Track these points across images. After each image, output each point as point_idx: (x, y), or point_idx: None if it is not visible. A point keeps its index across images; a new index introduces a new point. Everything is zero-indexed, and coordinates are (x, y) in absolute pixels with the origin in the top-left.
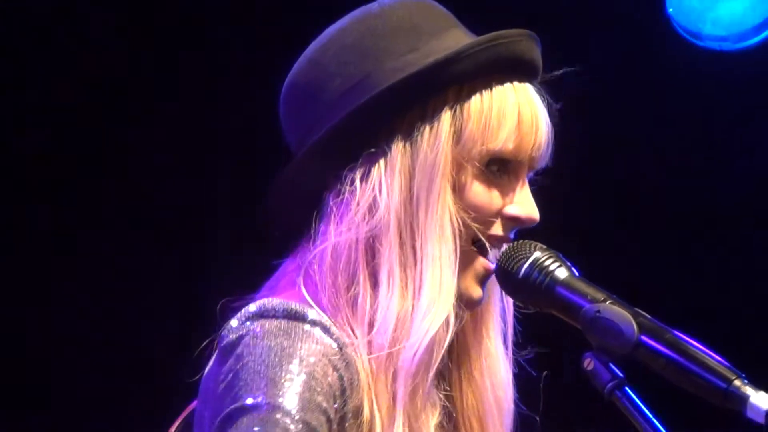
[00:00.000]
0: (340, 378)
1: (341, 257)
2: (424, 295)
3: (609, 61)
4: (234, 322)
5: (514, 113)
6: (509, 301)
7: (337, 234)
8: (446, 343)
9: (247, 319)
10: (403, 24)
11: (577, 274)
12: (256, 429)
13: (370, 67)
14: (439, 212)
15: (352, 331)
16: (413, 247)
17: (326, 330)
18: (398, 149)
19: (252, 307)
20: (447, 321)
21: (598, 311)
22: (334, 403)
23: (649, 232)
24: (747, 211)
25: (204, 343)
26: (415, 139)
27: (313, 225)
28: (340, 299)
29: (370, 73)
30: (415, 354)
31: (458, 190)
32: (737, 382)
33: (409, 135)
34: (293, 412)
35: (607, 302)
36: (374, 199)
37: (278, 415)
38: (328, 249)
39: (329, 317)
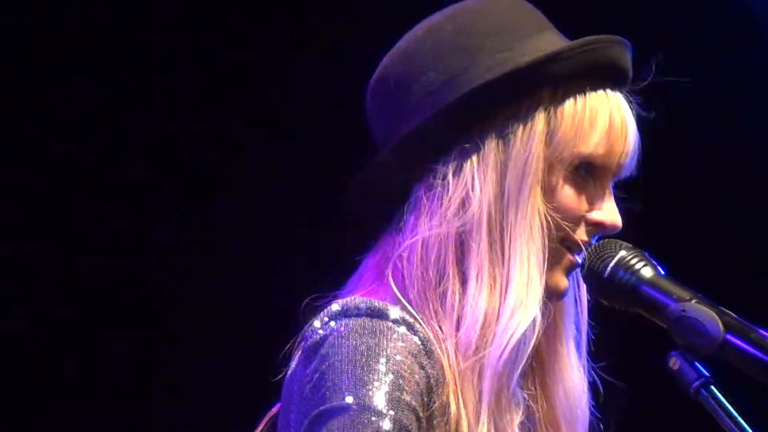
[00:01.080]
0: (427, 376)
1: (432, 251)
2: (512, 293)
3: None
4: (317, 323)
5: (606, 119)
6: (584, 308)
7: (429, 228)
8: (533, 342)
9: (331, 318)
10: (499, 23)
11: (662, 273)
12: (347, 430)
13: (465, 63)
14: (529, 211)
15: (440, 326)
16: (502, 245)
17: (411, 327)
18: (491, 146)
19: (335, 307)
20: (534, 320)
21: (684, 310)
22: (423, 401)
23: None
24: None
25: (289, 345)
26: (508, 137)
27: (403, 217)
28: (429, 293)
29: (466, 69)
30: (502, 353)
31: (547, 191)
32: None
33: (502, 133)
34: (384, 411)
35: (693, 301)
36: (467, 194)
37: (369, 416)
38: (419, 242)
39: (416, 311)
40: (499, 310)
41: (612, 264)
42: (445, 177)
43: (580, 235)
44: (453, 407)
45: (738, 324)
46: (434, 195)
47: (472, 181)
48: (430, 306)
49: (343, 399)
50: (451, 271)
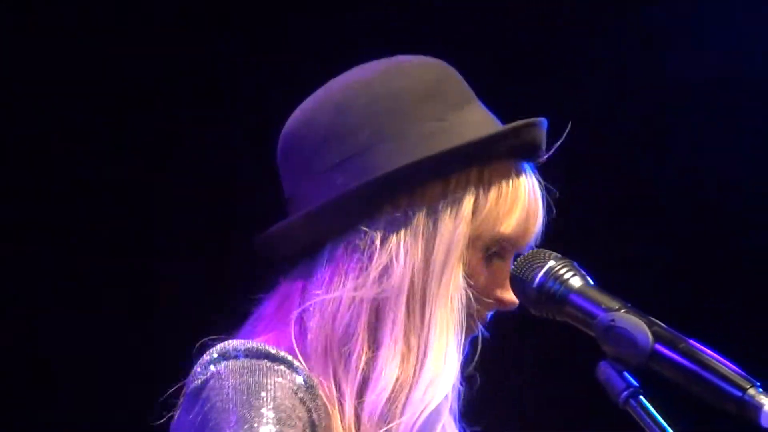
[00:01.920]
0: (309, 412)
1: (344, 312)
2: (429, 364)
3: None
4: (198, 368)
5: (525, 201)
6: None
7: (345, 288)
8: (445, 415)
9: (210, 362)
10: (431, 89)
11: (591, 282)
12: None
13: (399, 128)
14: (451, 286)
15: (338, 386)
16: (422, 316)
17: (291, 366)
18: (420, 220)
19: (214, 351)
20: (448, 393)
21: (613, 320)
22: None
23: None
24: None
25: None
26: (436, 213)
27: (314, 269)
28: (332, 352)
29: (399, 136)
30: (414, 423)
31: (467, 266)
32: (752, 391)
33: (431, 208)
34: None
35: (622, 311)
36: (390, 262)
37: None
38: (331, 300)
39: (311, 365)
40: (413, 380)
41: (541, 274)
42: (372, 242)
43: (483, 310)
44: None
45: (667, 334)
46: (356, 256)
47: (397, 251)
48: (330, 365)
49: None
50: (362, 335)
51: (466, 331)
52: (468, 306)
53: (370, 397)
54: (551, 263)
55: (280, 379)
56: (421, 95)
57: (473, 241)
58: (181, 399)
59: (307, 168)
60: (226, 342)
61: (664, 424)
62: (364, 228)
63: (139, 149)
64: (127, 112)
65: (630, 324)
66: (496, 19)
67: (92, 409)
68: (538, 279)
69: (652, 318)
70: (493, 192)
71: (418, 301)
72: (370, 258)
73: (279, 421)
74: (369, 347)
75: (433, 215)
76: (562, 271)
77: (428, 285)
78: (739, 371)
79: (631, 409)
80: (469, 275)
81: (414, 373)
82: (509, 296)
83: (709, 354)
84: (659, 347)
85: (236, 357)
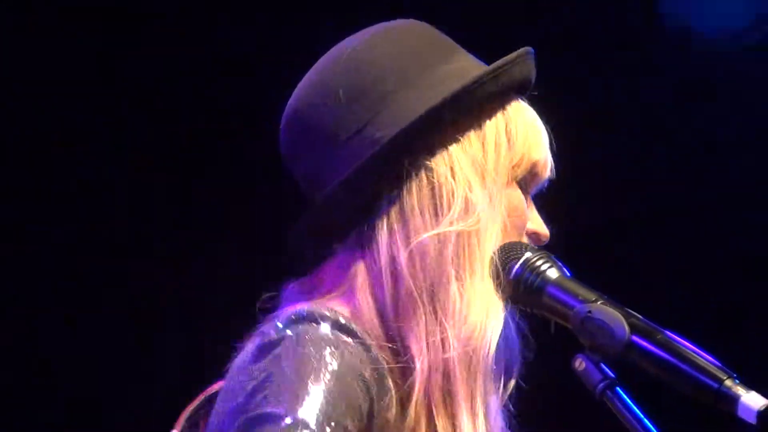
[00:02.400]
0: (370, 399)
1: (433, 254)
2: (489, 298)
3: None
4: (280, 323)
5: (540, 127)
6: None
7: (425, 230)
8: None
9: (294, 321)
10: (429, 39)
11: (568, 274)
12: None
13: (417, 74)
14: (502, 215)
15: (431, 334)
16: (483, 252)
17: (367, 349)
18: (473, 147)
19: (301, 310)
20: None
21: (590, 312)
22: (359, 421)
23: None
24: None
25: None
26: (483, 140)
27: (369, 230)
28: (425, 305)
29: (420, 80)
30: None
31: (506, 194)
32: (728, 382)
33: (477, 135)
34: (316, 429)
35: (599, 302)
36: (467, 195)
37: (300, 430)
38: (415, 247)
39: (384, 329)
40: (488, 309)
41: (517, 265)
42: (440, 177)
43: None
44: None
45: (644, 326)
46: (426, 196)
47: (468, 183)
48: (422, 312)
49: (281, 409)
50: (453, 272)
51: None
52: (511, 237)
53: (470, 335)
54: (528, 255)
55: (353, 359)
56: (424, 44)
57: (513, 169)
58: (251, 345)
59: (332, 138)
60: (316, 306)
61: (641, 415)
62: (427, 164)
63: (139, 149)
64: (127, 112)
65: (607, 315)
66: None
67: (92, 408)
68: (514, 270)
69: (628, 310)
70: (519, 119)
71: (493, 231)
72: (447, 193)
73: (336, 406)
74: (461, 285)
75: (481, 144)
76: (539, 263)
77: (490, 219)
78: (716, 362)
79: (607, 400)
80: (510, 204)
81: (487, 310)
82: (539, 227)
83: (685, 345)
84: (636, 339)
85: (320, 322)
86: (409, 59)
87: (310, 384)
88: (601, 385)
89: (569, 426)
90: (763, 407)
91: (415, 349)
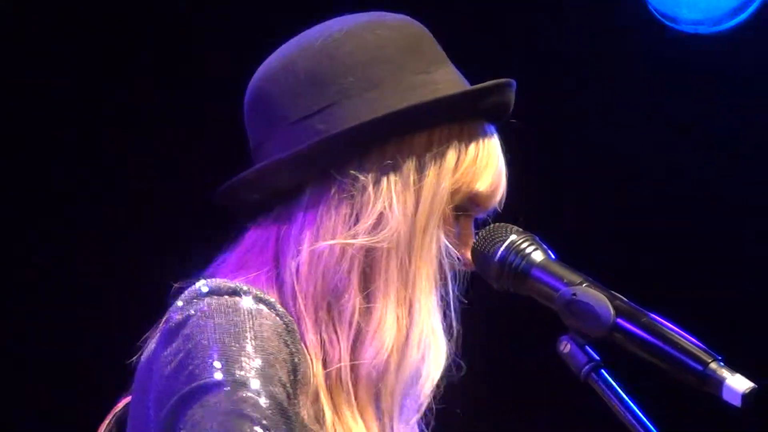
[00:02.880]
0: (291, 355)
1: (336, 262)
2: (419, 318)
3: (584, 47)
4: (180, 303)
5: (497, 161)
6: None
7: (334, 237)
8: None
9: (194, 298)
10: (413, 44)
11: (553, 257)
12: (224, 407)
13: (387, 77)
14: (434, 239)
15: (327, 335)
16: (409, 268)
17: (274, 308)
18: (410, 168)
19: (199, 286)
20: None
21: (575, 294)
22: (289, 378)
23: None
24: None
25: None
26: (423, 162)
27: (294, 215)
28: (323, 303)
29: (387, 84)
30: (414, 383)
31: (445, 222)
32: (713, 365)
33: (419, 156)
34: (258, 387)
35: (584, 285)
36: (384, 210)
37: (244, 392)
38: (320, 250)
39: (295, 313)
40: (408, 332)
41: (502, 248)
42: (364, 188)
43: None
44: (324, 401)
45: (629, 308)
46: (345, 203)
47: (390, 200)
48: (321, 316)
49: (214, 376)
50: (356, 287)
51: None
52: (447, 261)
53: (369, 353)
54: (513, 237)
55: (265, 320)
56: (405, 48)
57: (451, 195)
58: (156, 335)
59: (283, 115)
60: (209, 280)
61: (626, 397)
62: (354, 172)
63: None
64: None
65: (592, 298)
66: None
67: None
68: (499, 253)
69: (613, 292)
70: (472, 148)
71: (406, 253)
72: (364, 205)
73: (267, 363)
74: (363, 300)
75: (420, 165)
76: (523, 246)
77: (415, 236)
78: (701, 345)
79: (593, 382)
80: (446, 230)
81: (407, 330)
82: (470, 257)
83: (670, 328)
84: (621, 321)
85: (220, 294)
86: (381, 59)
87: (234, 347)
88: (587, 367)
89: (555, 408)
90: (748, 390)
91: (310, 347)
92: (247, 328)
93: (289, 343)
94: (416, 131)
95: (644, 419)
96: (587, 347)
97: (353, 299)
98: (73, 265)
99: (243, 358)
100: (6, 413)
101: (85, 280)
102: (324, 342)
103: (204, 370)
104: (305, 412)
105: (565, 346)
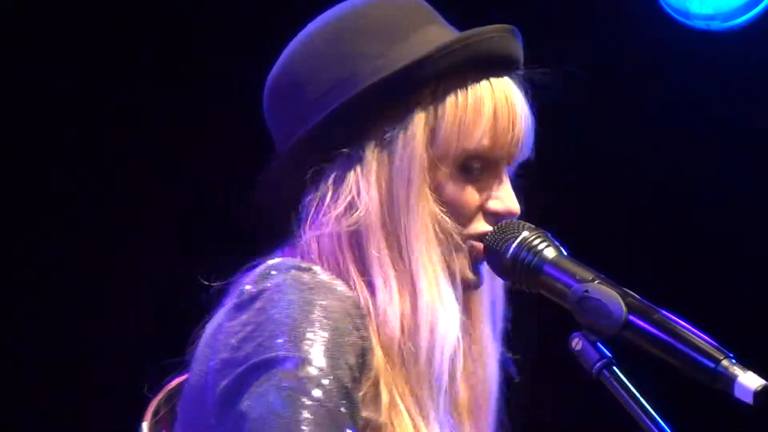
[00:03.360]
0: (361, 338)
1: (329, 248)
2: (423, 298)
3: (596, 44)
4: (255, 276)
5: (490, 110)
6: (498, 297)
7: (319, 228)
8: (455, 339)
9: (269, 273)
10: (379, 24)
11: (565, 253)
12: (289, 383)
13: (346, 71)
14: (420, 213)
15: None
16: (400, 250)
17: (346, 288)
18: (372, 152)
19: (273, 262)
20: (453, 318)
21: (587, 291)
22: (357, 361)
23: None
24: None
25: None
26: (389, 142)
27: (296, 221)
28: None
29: (346, 78)
30: (432, 360)
31: (438, 189)
32: (725, 362)
33: (383, 138)
34: (324, 366)
35: (596, 282)
36: (352, 201)
37: (310, 370)
38: (314, 240)
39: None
40: (415, 313)
41: (514, 244)
42: (333, 182)
43: (479, 227)
44: (381, 380)
45: (641, 305)
46: (321, 199)
47: (357, 189)
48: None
49: (282, 351)
50: (353, 271)
51: (459, 251)
52: (451, 227)
53: (382, 333)
54: (525, 234)
55: (337, 301)
56: (364, 34)
57: (440, 161)
58: (226, 307)
59: (279, 123)
60: (283, 258)
61: (638, 394)
62: (325, 164)
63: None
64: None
65: (604, 295)
66: None
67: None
68: (511, 250)
69: (625, 289)
70: (449, 109)
71: (394, 236)
72: (338, 191)
73: (336, 344)
74: (366, 285)
75: (387, 145)
76: (536, 242)
77: (399, 217)
78: (713, 342)
79: (604, 380)
80: (444, 197)
81: (413, 311)
82: (498, 205)
83: (682, 325)
84: (633, 318)
85: (298, 269)
86: (341, 56)
87: (304, 325)
88: (598, 364)
89: (566, 404)
90: (760, 387)
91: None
92: (320, 307)
93: (359, 325)
94: (375, 113)
95: (656, 417)
96: (599, 344)
97: (357, 283)
98: (72, 264)
99: (312, 337)
100: (6, 413)
101: (84, 280)
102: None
103: (273, 343)
104: (365, 395)
105: (577, 343)
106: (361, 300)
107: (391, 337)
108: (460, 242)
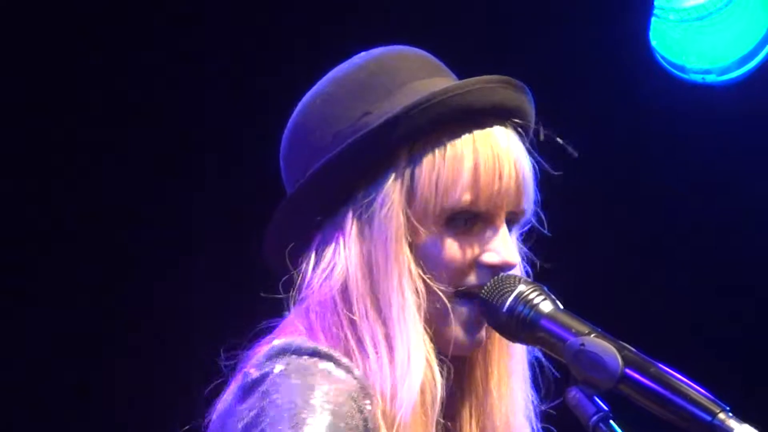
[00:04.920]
0: (365, 419)
1: (322, 314)
2: (398, 359)
3: (593, 97)
4: (256, 360)
5: (470, 164)
6: (519, 349)
7: (312, 293)
8: (440, 393)
9: (273, 356)
10: (363, 85)
11: (561, 307)
12: None
13: (327, 138)
14: (397, 276)
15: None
16: (380, 313)
17: (349, 370)
18: (351, 216)
19: (277, 344)
20: (433, 378)
21: (583, 344)
22: None
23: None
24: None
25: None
26: (367, 206)
27: (296, 285)
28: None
29: (326, 145)
30: (406, 412)
31: (419, 249)
32: (722, 415)
33: (361, 202)
34: None
35: (592, 335)
36: (334, 266)
37: None
38: (312, 305)
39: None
40: (390, 373)
41: (511, 298)
42: (317, 247)
43: (472, 280)
44: None
45: (637, 358)
46: (314, 264)
47: (336, 255)
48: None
49: None
50: (353, 342)
51: (445, 312)
52: (434, 288)
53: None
54: (521, 288)
55: (341, 385)
56: (348, 97)
57: (421, 221)
58: (234, 387)
59: (288, 179)
60: (289, 338)
61: None
62: (312, 235)
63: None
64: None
65: (600, 348)
66: None
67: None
68: (508, 304)
69: (621, 342)
70: (425, 168)
71: (374, 300)
72: (319, 263)
73: (335, 426)
74: (357, 343)
75: (365, 209)
76: (532, 296)
77: (375, 280)
78: (709, 395)
79: None
80: (428, 257)
81: (390, 366)
82: (493, 258)
83: (678, 378)
84: (629, 371)
85: (299, 354)
86: (321, 120)
87: (306, 410)
88: (595, 418)
89: None
90: None
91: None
92: (321, 392)
93: (363, 407)
94: (349, 179)
95: None
96: (595, 397)
97: (356, 354)
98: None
99: (312, 422)
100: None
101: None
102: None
103: (274, 429)
104: None
105: (574, 397)
106: (366, 370)
107: (383, 401)
108: (448, 303)
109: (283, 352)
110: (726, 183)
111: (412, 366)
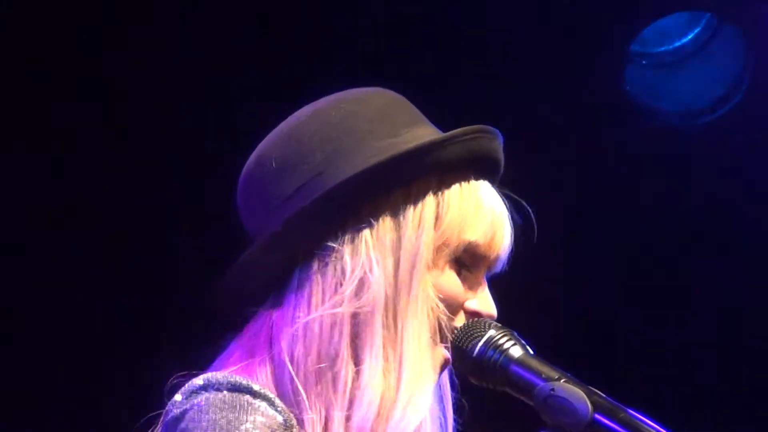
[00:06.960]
0: None
1: (327, 332)
2: (405, 379)
3: (567, 137)
4: (178, 397)
5: (490, 209)
6: (447, 391)
7: (323, 308)
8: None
9: (192, 393)
10: (383, 111)
11: (531, 352)
12: None
13: (353, 145)
14: (420, 294)
15: (326, 407)
16: (395, 327)
17: (271, 403)
18: (385, 228)
19: (197, 381)
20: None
21: (553, 389)
22: None
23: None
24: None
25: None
26: (399, 220)
27: (284, 298)
28: (319, 374)
29: (354, 151)
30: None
31: (434, 275)
32: None
33: (395, 213)
34: None
35: (562, 380)
36: (365, 275)
37: None
38: (314, 321)
39: (295, 392)
40: (396, 390)
41: (481, 343)
42: (342, 257)
43: (459, 322)
44: None
45: (607, 404)
46: (329, 274)
47: (369, 263)
48: (318, 387)
49: None
50: (347, 352)
51: (439, 342)
52: (438, 317)
53: (358, 413)
54: (491, 333)
55: (260, 417)
56: (372, 116)
57: (440, 248)
58: (159, 428)
59: (267, 203)
60: (209, 374)
61: None
62: (332, 244)
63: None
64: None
65: (569, 393)
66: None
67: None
68: (478, 348)
69: (591, 388)
70: (455, 197)
71: (392, 313)
72: (343, 272)
73: None
74: (354, 363)
75: (396, 222)
76: (501, 341)
77: (399, 295)
78: None
79: None
80: (437, 283)
81: (397, 385)
82: (480, 306)
83: (648, 424)
84: (599, 417)
85: (218, 389)
86: (347, 131)
87: None
88: None
89: None
90: None
91: (306, 420)
92: (240, 426)
93: None
94: (388, 189)
95: None
96: None
97: (346, 365)
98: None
99: None
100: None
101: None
102: (322, 414)
103: None
104: None
105: None
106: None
107: (364, 418)
108: (447, 332)
109: (201, 387)
110: (699, 230)
111: (424, 384)
